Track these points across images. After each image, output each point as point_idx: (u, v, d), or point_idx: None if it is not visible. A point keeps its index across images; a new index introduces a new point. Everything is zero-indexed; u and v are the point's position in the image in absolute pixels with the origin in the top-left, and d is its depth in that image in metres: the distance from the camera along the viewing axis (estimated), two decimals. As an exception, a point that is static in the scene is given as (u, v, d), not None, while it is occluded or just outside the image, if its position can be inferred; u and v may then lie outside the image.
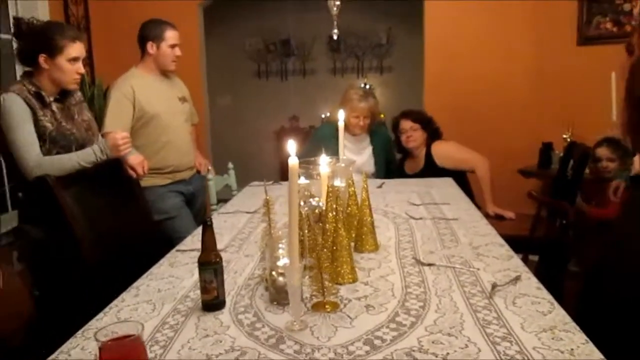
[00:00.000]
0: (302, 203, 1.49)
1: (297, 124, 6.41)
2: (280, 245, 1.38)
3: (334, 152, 2.90)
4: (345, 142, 3.04)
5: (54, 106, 2.08)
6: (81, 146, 2.15)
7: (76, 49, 2.06)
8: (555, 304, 1.30)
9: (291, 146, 1.16)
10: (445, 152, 3.25)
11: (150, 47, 2.71)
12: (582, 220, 2.44)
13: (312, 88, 6.29)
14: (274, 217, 1.54)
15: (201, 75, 4.51)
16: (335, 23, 2.11)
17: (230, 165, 3.13)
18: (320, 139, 3.03)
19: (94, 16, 4.24)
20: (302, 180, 1.59)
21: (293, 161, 1.15)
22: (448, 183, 2.92)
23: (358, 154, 3.16)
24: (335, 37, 2.20)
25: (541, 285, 1.42)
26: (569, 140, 3.58)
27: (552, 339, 1.12)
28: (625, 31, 3.63)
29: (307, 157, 2.96)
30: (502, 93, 4.14)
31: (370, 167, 3.18)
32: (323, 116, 5.69)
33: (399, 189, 2.78)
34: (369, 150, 3.23)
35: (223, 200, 3.01)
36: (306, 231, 1.48)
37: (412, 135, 3.27)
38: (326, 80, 6.29)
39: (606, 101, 3.08)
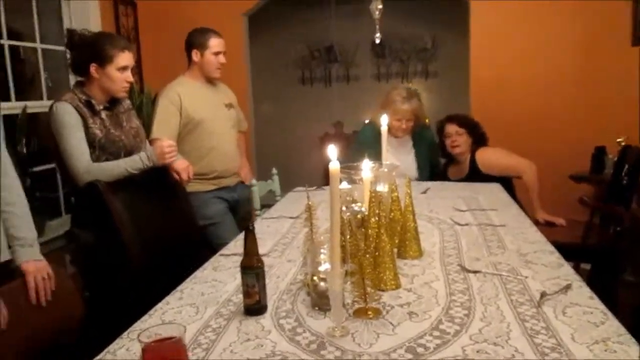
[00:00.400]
0: (344, 208, 1.47)
1: (341, 129, 6.39)
2: (322, 251, 1.37)
3: (376, 155, 2.89)
4: (387, 146, 3.04)
5: (104, 114, 2.15)
6: (129, 153, 2.20)
7: (125, 58, 2.13)
8: (609, 314, 1.24)
9: (332, 151, 1.15)
10: (490, 159, 3.15)
11: (195, 55, 2.77)
12: (638, 226, 2.33)
13: (356, 94, 6.26)
14: (316, 223, 1.54)
15: (246, 82, 4.57)
16: (377, 27, 2.09)
17: (274, 170, 3.15)
18: (363, 142, 3.02)
19: (143, 27, 4.37)
20: (344, 185, 1.58)
21: (334, 166, 1.14)
22: (496, 189, 2.85)
23: (400, 157, 3.10)
24: (377, 42, 2.18)
25: (594, 295, 1.36)
26: (623, 144, 3.44)
27: (605, 351, 1.07)
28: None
29: (350, 161, 2.96)
30: (551, 97, 4.01)
31: (413, 171, 3.13)
32: (366, 121, 5.66)
33: (444, 194, 2.73)
34: (411, 154, 3.17)
35: (267, 205, 3.04)
36: (348, 236, 1.47)
37: (457, 140, 3.19)
38: (370, 85, 6.25)
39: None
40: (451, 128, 3.22)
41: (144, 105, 3.62)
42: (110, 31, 2.48)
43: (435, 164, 3.32)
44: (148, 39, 4.40)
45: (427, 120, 3.22)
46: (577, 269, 2.47)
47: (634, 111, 3.55)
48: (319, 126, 6.42)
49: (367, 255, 1.49)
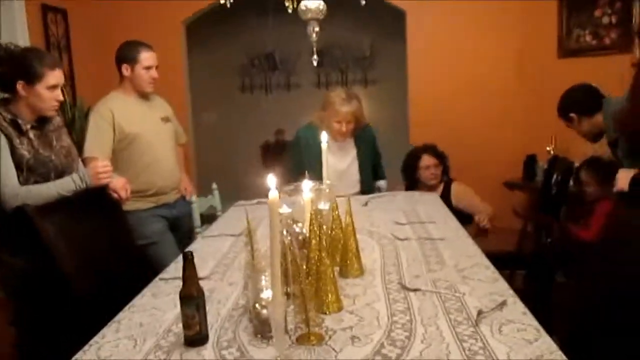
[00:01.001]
0: (285, 232, 1.46)
1: (282, 137, 6.39)
2: (263, 277, 1.36)
3: (316, 155, 2.86)
4: (328, 150, 3.02)
5: (31, 133, 2.04)
6: (60, 173, 2.11)
7: (55, 76, 2.03)
8: (542, 330, 1.29)
9: (271, 180, 1.14)
10: (464, 194, 3.34)
11: (125, 70, 2.68)
12: (566, 237, 2.45)
13: (297, 101, 6.27)
14: (258, 242, 1.52)
15: (185, 93, 4.50)
16: (314, 49, 2.09)
17: (214, 185, 3.10)
18: (302, 140, 2.98)
19: (75, 35, 4.20)
20: (285, 209, 1.56)
21: (273, 195, 1.13)
22: (435, 200, 2.92)
23: (341, 159, 3.05)
24: (315, 64, 2.19)
25: (527, 310, 1.41)
26: (552, 152, 3.61)
27: (539, 370, 1.12)
28: (604, 44, 3.67)
29: (291, 163, 2.96)
30: (486, 105, 4.17)
31: (355, 175, 3.08)
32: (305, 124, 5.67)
33: (385, 207, 2.77)
34: (353, 153, 3.08)
35: (209, 219, 2.99)
36: (289, 260, 1.46)
37: (435, 172, 3.37)
38: (311, 93, 6.28)
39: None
40: (430, 160, 3.39)
41: (77, 119, 3.49)
42: (40, 40, 2.34)
43: (377, 164, 3.26)
44: (81, 47, 4.23)
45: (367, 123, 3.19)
46: (512, 275, 2.57)
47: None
48: (260, 134, 6.39)
49: (309, 278, 1.50)
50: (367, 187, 3.14)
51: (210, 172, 5.30)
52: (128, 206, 2.45)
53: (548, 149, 3.65)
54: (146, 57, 2.67)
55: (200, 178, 4.53)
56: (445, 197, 3.29)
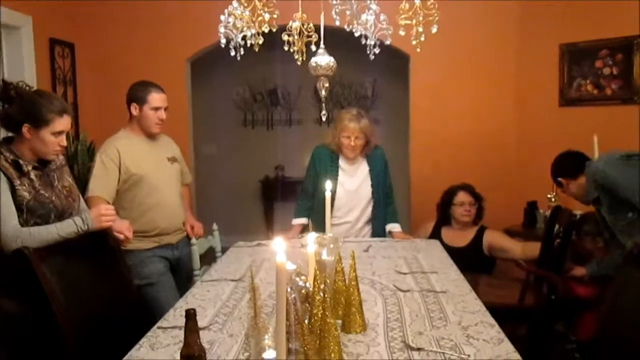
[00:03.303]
0: (289, 289, 1.44)
1: (282, 173, 6.39)
2: (266, 337, 1.33)
3: (331, 174, 2.93)
4: (340, 164, 3.06)
5: (33, 174, 2.03)
6: (61, 214, 2.09)
7: (62, 123, 2.02)
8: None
9: (279, 244, 1.12)
10: (498, 242, 3.33)
11: (134, 109, 2.68)
12: (568, 291, 2.43)
13: (298, 138, 6.29)
14: (259, 290, 1.50)
15: (188, 129, 4.51)
16: (323, 105, 2.10)
17: (215, 226, 3.07)
18: (317, 158, 3.13)
19: (81, 69, 4.24)
20: (289, 266, 1.55)
21: (281, 260, 1.11)
22: (435, 247, 2.91)
23: (353, 175, 3.11)
24: (324, 119, 2.20)
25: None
26: (553, 200, 3.61)
27: None
28: (606, 94, 3.71)
29: (309, 181, 3.14)
30: (487, 152, 4.20)
31: (367, 190, 3.10)
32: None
33: (386, 253, 2.75)
34: (365, 171, 3.12)
35: (208, 260, 2.95)
36: (293, 317, 1.44)
37: (471, 210, 3.37)
38: (312, 130, 6.29)
39: (589, 164, 3.12)
40: (466, 197, 3.39)
41: (79, 153, 3.49)
42: (48, 90, 2.28)
43: (388, 185, 3.24)
44: (86, 82, 4.27)
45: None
46: (514, 331, 2.53)
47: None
48: (261, 169, 6.39)
49: (312, 335, 1.47)
50: (380, 208, 3.13)
51: (210, 204, 5.30)
52: (129, 245, 2.42)
53: (549, 196, 3.65)
54: (155, 98, 2.67)
55: (199, 212, 4.50)
56: (477, 243, 3.33)
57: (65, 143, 2.07)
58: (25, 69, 3.67)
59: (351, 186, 3.09)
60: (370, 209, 3.12)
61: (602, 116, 3.70)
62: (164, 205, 2.72)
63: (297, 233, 3.02)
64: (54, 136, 2.00)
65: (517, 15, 4.12)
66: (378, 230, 3.15)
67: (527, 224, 3.78)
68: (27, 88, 2.09)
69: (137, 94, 2.68)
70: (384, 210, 3.16)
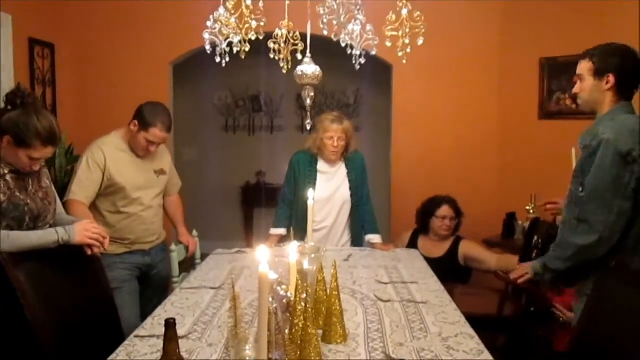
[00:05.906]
0: (270, 299, 1.43)
1: (263, 179, 6.37)
2: (246, 348, 1.32)
3: (310, 178, 2.92)
4: (318, 167, 3.05)
5: (9, 177, 1.98)
6: (36, 217, 2.04)
7: (43, 152, 1.96)
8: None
9: (263, 252, 1.12)
10: (473, 253, 3.37)
11: (133, 126, 2.60)
12: (545, 301, 2.46)
13: (280, 144, 6.28)
14: (240, 298, 1.48)
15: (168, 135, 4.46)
16: (308, 114, 2.10)
17: (195, 232, 3.04)
18: (295, 165, 3.12)
19: (61, 70, 4.17)
20: (271, 275, 1.53)
21: (264, 270, 1.10)
22: (415, 256, 2.92)
23: (332, 179, 3.10)
24: (308, 128, 2.20)
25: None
26: (532, 211, 3.65)
27: None
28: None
29: (288, 189, 3.12)
30: (467, 163, 4.24)
31: (346, 192, 3.10)
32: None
33: (367, 262, 2.76)
34: (343, 173, 3.13)
35: (187, 267, 2.91)
36: (274, 327, 1.42)
37: (451, 224, 3.40)
38: (294, 136, 6.29)
39: (567, 177, 3.16)
40: (448, 212, 3.42)
41: (57, 155, 3.43)
42: (54, 120, 2.12)
43: (367, 194, 3.23)
44: (65, 83, 4.19)
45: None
46: (495, 339, 2.55)
47: (542, 181, 3.78)
48: (241, 175, 6.36)
49: (293, 346, 1.46)
50: (359, 212, 3.13)
51: (189, 211, 5.23)
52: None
53: (528, 207, 3.69)
54: (155, 134, 2.59)
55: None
56: (453, 254, 3.37)
57: (37, 168, 2.02)
58: (4, 69, 3.59)
59: (329, 189, 3.08)
60: (348, 212, 3.12)
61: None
62: (142, 218, 2.69)
63: (275, 243, 3.00)
64: (29, 159, 1.95)
65: (498, 29, 4.18)
66: (357, 234, 3.16)
67: (506, 235, 3.81)
68: (33, 101, 2.02)
69: (144, 116, 2.58)
70: (363, 214, 3.16)
